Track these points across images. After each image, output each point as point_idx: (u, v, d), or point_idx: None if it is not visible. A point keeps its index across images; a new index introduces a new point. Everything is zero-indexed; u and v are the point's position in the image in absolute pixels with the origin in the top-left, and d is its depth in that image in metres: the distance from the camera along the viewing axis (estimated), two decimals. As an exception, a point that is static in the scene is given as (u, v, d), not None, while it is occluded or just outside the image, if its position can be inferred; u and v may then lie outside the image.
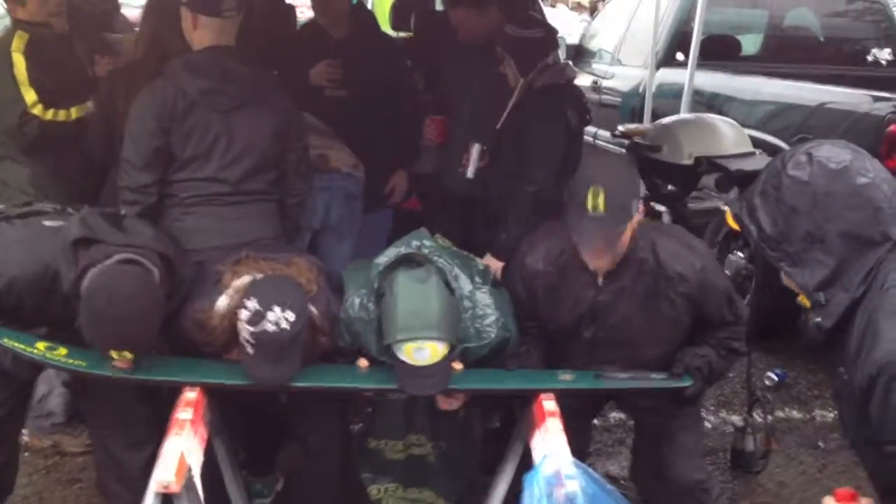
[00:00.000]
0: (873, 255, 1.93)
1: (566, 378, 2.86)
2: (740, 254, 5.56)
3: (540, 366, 3.00)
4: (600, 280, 2.85)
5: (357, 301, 2.88)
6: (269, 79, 3.37)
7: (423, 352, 2.66)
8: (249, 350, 2.64)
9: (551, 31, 3.97)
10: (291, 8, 5.34)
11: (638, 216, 2.77)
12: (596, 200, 2.64)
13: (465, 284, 2.86)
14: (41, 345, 2.69)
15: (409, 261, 2.85)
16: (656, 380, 2.87)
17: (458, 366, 2.80)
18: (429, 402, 3.15)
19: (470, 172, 3.93)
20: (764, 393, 4.01)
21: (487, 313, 2.89)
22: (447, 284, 2.78)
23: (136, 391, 2.92)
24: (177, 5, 3.51)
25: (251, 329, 2.60)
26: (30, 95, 3.64)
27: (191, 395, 2.63)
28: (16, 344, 2.66)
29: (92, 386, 2.94)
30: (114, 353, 2.58)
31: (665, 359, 2.96)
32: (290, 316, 2.60)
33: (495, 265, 3.57)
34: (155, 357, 2.73)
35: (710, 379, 2.99)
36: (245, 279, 2.77)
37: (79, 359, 2.67)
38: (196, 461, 2.50)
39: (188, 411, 2.56)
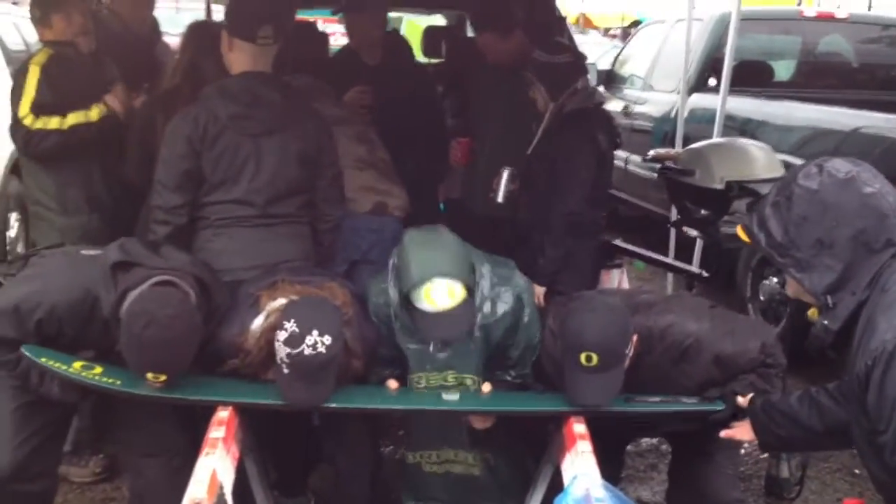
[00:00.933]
0: (878, 260, 2.07)
1: None
2: (775, 279, 5.53)
3: None
4: None
5: (378, 286, 2.93)
6: (301, 106, 3.41)
7: (441, 291, 2.68)
8: (285, 370, 2.66)
9: (580, 57, 4.00)
10: (325, 35, 5.43)
11: (630, 354, 2.77)
12: (590, 360, 2.68)
13: (477, 258, 2.89)
14: (77, 364, 2.74)
15: None
16: (688, 404, 2.85)
17: (486, 387, 2.80)
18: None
19: (500, 197, 3.96)
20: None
21: (505, 288, 2.91)
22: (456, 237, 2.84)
23: (169, 413, 2.97)
24: (214, 34, 3.60)
25: (288, 350, 2.63)
26: (25, 105, 3.70)
27: (223, 413, 2.66)
28: (53, 363, 2.71)
29: (123, 409, 2.99)
30: (149, 375, 2.62)
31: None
32: (327, 340, 2.63)
33: (537, 291, 3.58)
34: (189, 376, 2.76)
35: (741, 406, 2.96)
36: (280, 301, 2.80)
37: (114, 377, 2.71)
38: (228, 479, 2.52)
39: (220, 430, 2.59)
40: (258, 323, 2.78)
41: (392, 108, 4.07)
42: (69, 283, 2.80)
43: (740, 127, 6.11)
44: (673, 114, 6.89)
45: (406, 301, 2.76)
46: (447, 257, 2.75)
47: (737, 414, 2.88)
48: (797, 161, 5.21)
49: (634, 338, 2.77)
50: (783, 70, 7.51)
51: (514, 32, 4.03)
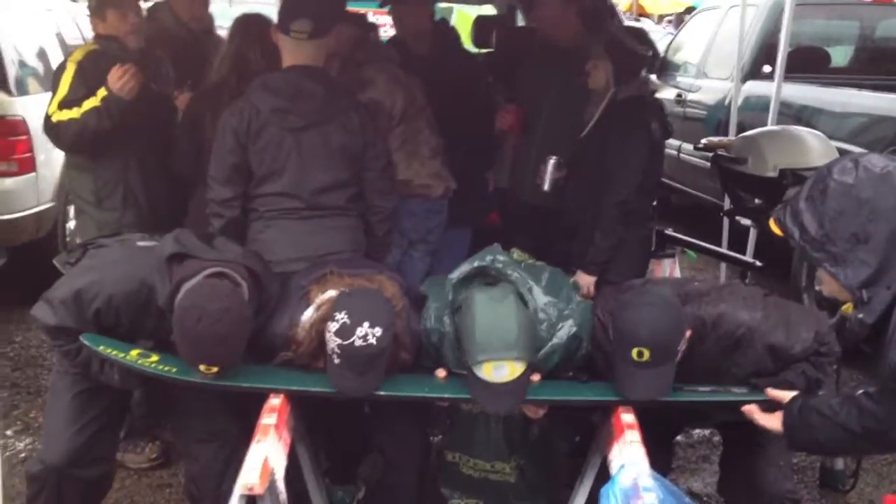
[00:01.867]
0: None
1: None
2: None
3: None
4: None
5: (433, 314, 2.91)
6: (345, 99, 3.43)
7: (502, 370, 2.67)
8: (336, 360, 2.69)
9: (656, 54, 3.97)
10: (374, 26, 5.44)
11: (683, 349, 2.74)
12: (642, 356, 2.66)
13: (539, 297, 2.87)
14: (134, 352, 2.80)
15: (482, 275, 2.86)
16: (737, 394, 2.82)
17: (535, 377, 2.80)
18: (505, 423, 3.17)
19: (546, 185, 3.95)
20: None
21: (562, 324, 2.89)
22: (521, 298, 2.79)
23: (223, 402, 3.02)
24: (260, 25, 3.64)
25: (339, 341, 2.66)
26: (55, 101, 3.72)
27: (275, 401, 2.70)
28: (111, 351, 2.77)
29: (178, 397, 3.05)
30: (202, 367, 2.67)
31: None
32: (378, 332, 2.65)
33: (587, 281, 3.57)
34: (241, 366, 2.80)
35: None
36: (331, 293, 2.83)
37: (169, 365, 2.77)
38: (279, 465, 2.56)
39: (272, 417, 2.62)
40: (308, 315, 2.82)
41: (441, 98, 4.08)
42: (126, 274, 2.86)
43: (796, 114, 6.02)
44: (727, 101, 6.80)
45: (464, 359, 2.77)
46: (514, 336, 2.69)
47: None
48: (854, 149, 5.13)
49: (688, 333, 2.75)
50: (840, 56, 7.37)
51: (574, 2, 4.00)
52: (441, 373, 2.88)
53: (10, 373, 4.94)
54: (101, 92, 3.65)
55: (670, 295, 2.85)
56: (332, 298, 2.79)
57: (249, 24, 3.77)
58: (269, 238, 3.29)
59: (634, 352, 2.65)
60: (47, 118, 3.74)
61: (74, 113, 3.66)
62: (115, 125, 3.67)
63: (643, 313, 2.71)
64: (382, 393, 2.76)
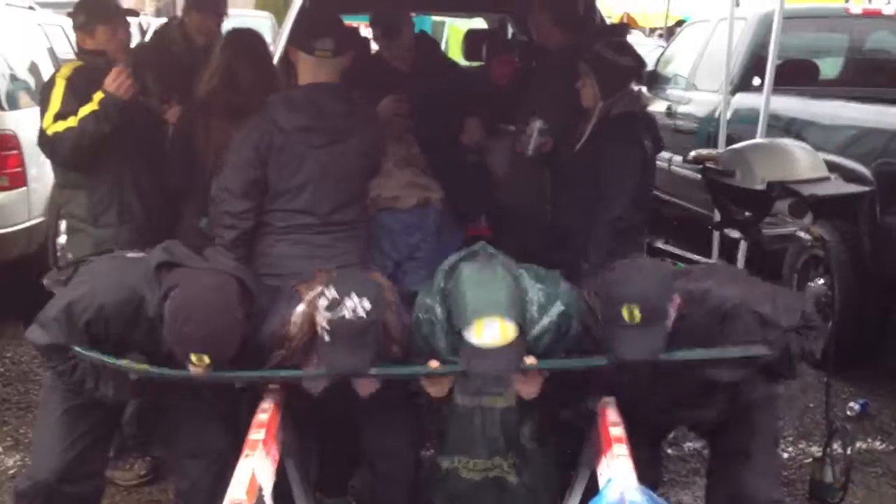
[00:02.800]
0: None
1: None
2: (820, 280, 5.46)
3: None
4: None
5: (425, 302, 2.91)
6: (360, 114, 3.48)
7: (493, 328, 2.65)
8: (327, 339, 2.68)
9: (641, 64, 3.97)
10: (367, 40, 5.46)
11: (673, 313, 2.75)
12: (632, 315, 2.66)
13: (528, 281, 2.88)
14: (124, 361, 2.80)
15: (471, 258, 2.90)
16: (733, 350, 2.79)
17: (531, 360, 2.79)
18: (502, 421, 3.14)
19: (530, 149, 3.91)
20: (844, 423, 3.91)
21: (551, 305, 2.89)
22: (511, 274, 2.81)
23: (214, 418, 3.02)
24: (250, 39, 3.67)
25: (328, 316, 2.65)
26: (49, 116, 3.69)
27: (263, 416, 2.70)
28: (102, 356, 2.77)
29: (168, 412, 3.05)
30: (193, 358, 2.65)
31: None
32: (367, 304, 2.65)
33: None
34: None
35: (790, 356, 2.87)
36: (319, 288, 2.84)
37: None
38: (267, 481, 2.56)
39: (260, 432, 2.63)
40: (299, 311, 2.83)
41: (429, 111, 4.10)
42: (116, 284, 2.86)
43: (785, 126, 6.03)
44: (717, 114, 6.83)
45: (456, 334, 2.76)
46: (503, 296, 2.71)
47: (787, 358, 2.82)
48: (845, 161, 5.15)
49: (677, 298, 2.76)
50: (829, 68, 7.40)
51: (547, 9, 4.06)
52: (434, 363, 2.86)
53: (1, 388, 4.93)
54: (98, 95, 3.63)
55: (657, 261, 2.87)
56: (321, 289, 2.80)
57: (240, 39, 3.81)
58: (282, 251, 3.34)
59: (625, 311, 2.65)
60: (42, 132, 3.72)
61: (71, 122, 3.63)
62: (113, 128, 3.64)
63: (631, 273, 2.76)
64: (374, 371, 2.73)
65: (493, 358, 2.67)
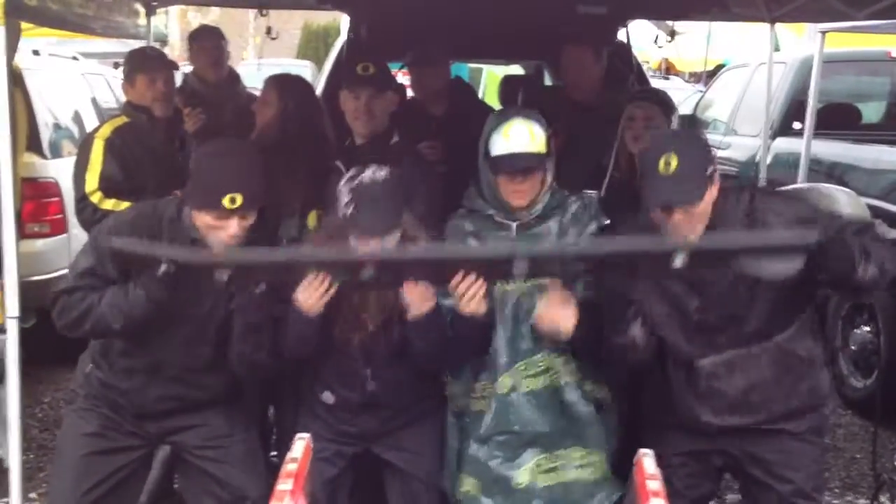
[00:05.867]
0: None
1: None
2: (866, 328, 5.34)
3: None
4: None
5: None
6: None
7: (521, 130, 2.81)
8: (351, 210, 2.77)
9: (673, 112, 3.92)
10: (402, 87, 5.49)
11: (711, 181, 2.66)
12: (668, 165, 2.59)
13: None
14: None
15: None
16: (779, 237, 2.60)
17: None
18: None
19: None
20: (892, 475, 3.80)
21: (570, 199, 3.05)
22: None
23: (241, 465, 3.00)
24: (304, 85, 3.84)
25: (350, 186, 2.79)
26: (91, 181, 3.73)
27: (291, 466, 2.66)
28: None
29: (196, 461, 3.04)
30: (226, 201, 2.69)
31: (772, 328, 2.78)
32: (384, 173, 2.81)
33: None
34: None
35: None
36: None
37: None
38: (295, 534, 2.51)
39: (288, 482, 2.58)
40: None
41: (463, 156, 4.09)
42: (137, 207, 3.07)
43: (827, 171, 5.96)
44: (757, 158, 6.77)
45: (487, 157, 2.89)
46: (534, 115, 2.88)
47: (847, 254, 2.56)
48: (888, 206, 5.07)
49: (715, 171, 2.68)
50: (872, 112, 7.32)
51: (603, 54, 4.09)
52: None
53: (38, 434, 4.94)
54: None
55: None
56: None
57: (297, 84, 3.82)
58: None
59: (661, 161, 2.59)
60: (84, 197, 3.73)
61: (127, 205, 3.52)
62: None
63: (668, 132, 2.91)
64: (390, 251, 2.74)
65: (521, 159, 2.82)
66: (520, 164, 2.86)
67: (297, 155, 3.48)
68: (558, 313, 2.81)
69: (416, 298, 2.82)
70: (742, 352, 2.79)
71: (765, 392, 2.80)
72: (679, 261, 2.51)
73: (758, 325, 2.77)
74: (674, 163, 2.58)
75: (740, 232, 2.68)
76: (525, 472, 2.94)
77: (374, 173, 2.80)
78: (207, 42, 4.96)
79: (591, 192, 3.74)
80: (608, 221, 3.02)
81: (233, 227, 2.74)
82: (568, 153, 4.09)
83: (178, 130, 4.06)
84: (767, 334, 2.78)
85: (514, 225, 2.96)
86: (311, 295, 2.80)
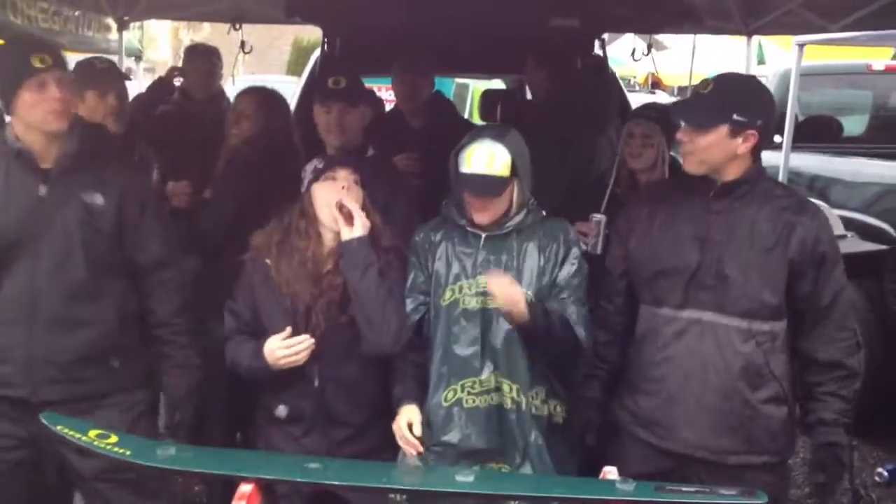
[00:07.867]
0: None
1: (625, 488, 2.60)
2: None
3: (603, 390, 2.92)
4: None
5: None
6: None
7: (482, 153, 2.79)
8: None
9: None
10: (381, 101, 5.47)
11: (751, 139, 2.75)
12: (706, 86, 2.69)
13: None
14: (93, 433, 2.69)
15: None
16: (726, 496, 2.63)
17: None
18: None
19: (599, 249, 3.67)
20: (869, 491, 3.74)
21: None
22: None
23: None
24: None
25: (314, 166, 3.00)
26: None
27: (245, 488, 2.59)
28: (67, 431, 2.67)
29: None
30: (36, 62, 2.63)
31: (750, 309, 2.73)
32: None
33: None
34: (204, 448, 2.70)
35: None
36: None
37: (125, 447, 2.66)
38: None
39: (242, 506, 2.52)
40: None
41: (440, 169, 4.05)
42: None
43: (807, 184, 5.95)
44: (738, 172, 6.74)
45: (456, 173, 2.87)
46: (504, 137, 2.83)
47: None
48: (867, 219, 5.05)
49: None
50: (852, 125, 7.31)
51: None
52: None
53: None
54: None
55: None
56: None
57: (276, 101, 3.88)
58: None
59: (701, 84, 2.69)
60: None
61: None
62: None
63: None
64: None
65: (478, 182, 2.79)
66: (476, 188, 2.85)
67: (275, 170, 3.45)
68: (508, 288, 2.77)
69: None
70: None
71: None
72: None
73: None
74: (711, 84, 2.68)
75: (692, 489, 2.54)
76: None
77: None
78: (200, 63, 5.01)
79: (599, 216, 3.76)
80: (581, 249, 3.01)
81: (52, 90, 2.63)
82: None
83: (133, 146, 3.88)
84: None
85: (483, 235, 2.94)
86: (287, 358, 2.83)
